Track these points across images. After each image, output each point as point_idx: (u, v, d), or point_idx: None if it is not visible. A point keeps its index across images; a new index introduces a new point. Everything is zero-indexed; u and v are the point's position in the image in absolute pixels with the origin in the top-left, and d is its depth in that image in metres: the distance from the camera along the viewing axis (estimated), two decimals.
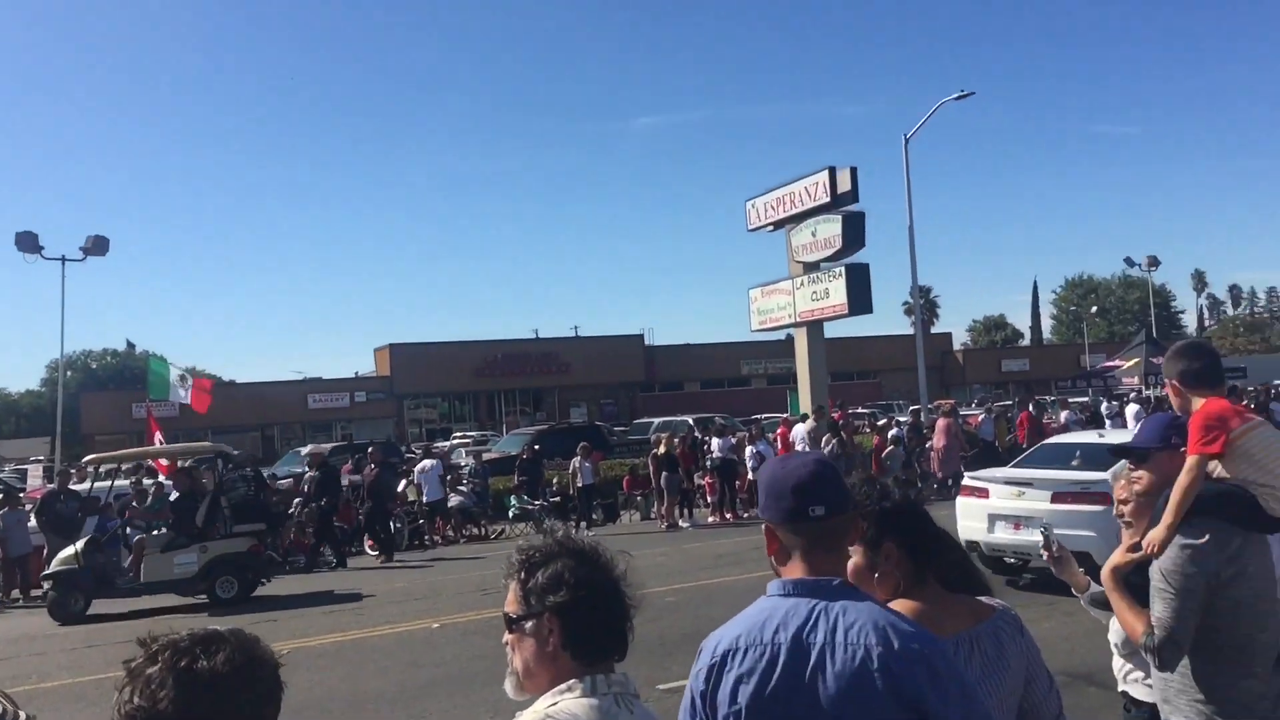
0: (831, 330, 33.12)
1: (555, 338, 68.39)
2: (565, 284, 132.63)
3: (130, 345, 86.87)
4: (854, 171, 28.95)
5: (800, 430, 23.75)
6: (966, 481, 12.95)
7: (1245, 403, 21.97)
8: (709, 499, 22.97)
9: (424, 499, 21.96)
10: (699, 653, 2.35)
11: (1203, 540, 3.27)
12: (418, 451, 27.92)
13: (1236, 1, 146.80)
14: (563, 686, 2.16)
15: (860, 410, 40.19)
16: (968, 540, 11.55)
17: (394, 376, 62.21)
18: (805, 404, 29.33)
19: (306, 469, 23.31)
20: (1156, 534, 3.35)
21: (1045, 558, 3.92)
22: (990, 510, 11.98)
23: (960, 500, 12.66)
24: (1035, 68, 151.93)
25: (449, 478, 22.79)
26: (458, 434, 50.42)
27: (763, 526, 2.42)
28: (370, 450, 22.22)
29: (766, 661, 2.23)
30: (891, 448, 23.51)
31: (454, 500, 22.15)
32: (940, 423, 23.56)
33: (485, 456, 26.56)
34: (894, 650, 2.18)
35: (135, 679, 1.76)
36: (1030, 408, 26.64)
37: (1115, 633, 3.97)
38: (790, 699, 2.21)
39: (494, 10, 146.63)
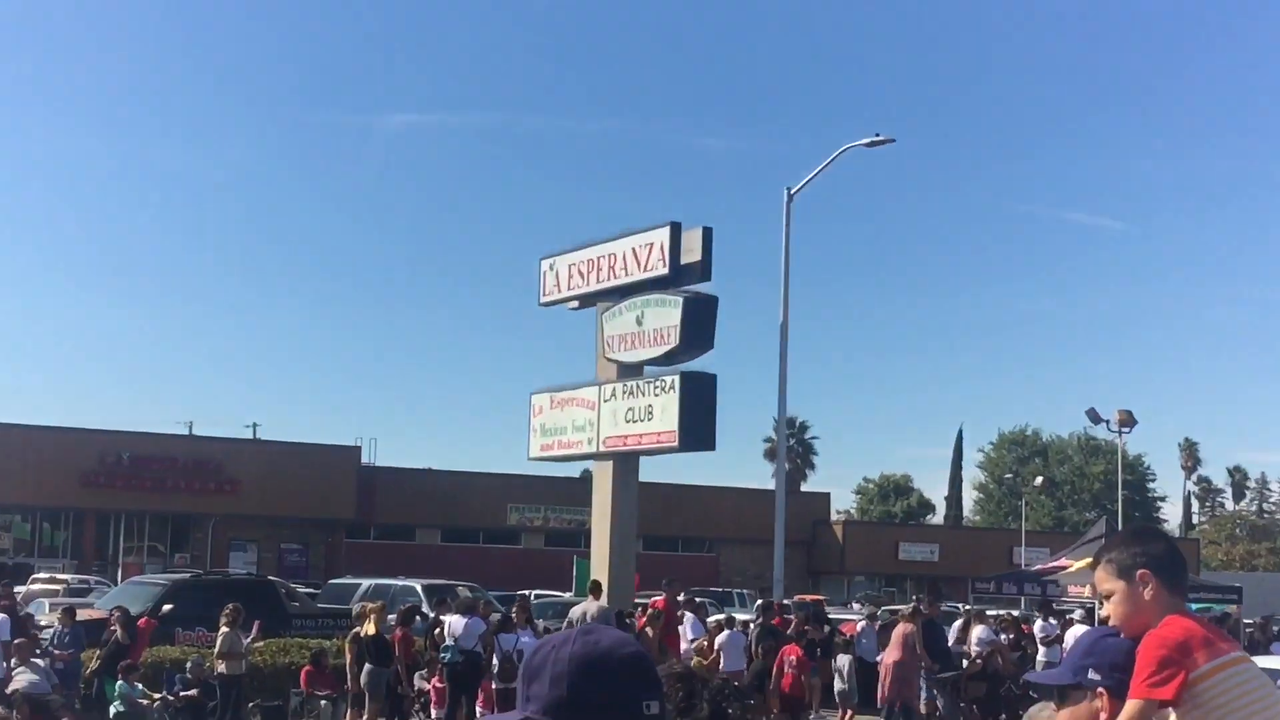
0: (653, 470, 33.59)
1: (220, 438, 67.19)
2: (243, 360, 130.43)
3: None
4: (707, 234, 29.64)
5: (582, 611, 23.96)
6: None
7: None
8: (433, 713, 22.69)
9: None
10: None
11: None
12: None
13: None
14: None
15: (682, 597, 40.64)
16: None
17: None
18: (600, 574, 29.41)
19: None
20: None
21: None
22: None
23: None
24: (977, 125, 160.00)
25: (17, 643, 21.90)
26: (42, 574, 48.36)
27: None
28: None
29: None
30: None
31: (21, 680, 21.26)
32: (898, 630, 24.31)
33: (82, 615, 25.65)
34: None
35: None
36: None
37: None
38: None
39: None
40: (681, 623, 26.34)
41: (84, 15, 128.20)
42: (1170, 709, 3.50)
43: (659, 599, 26.11)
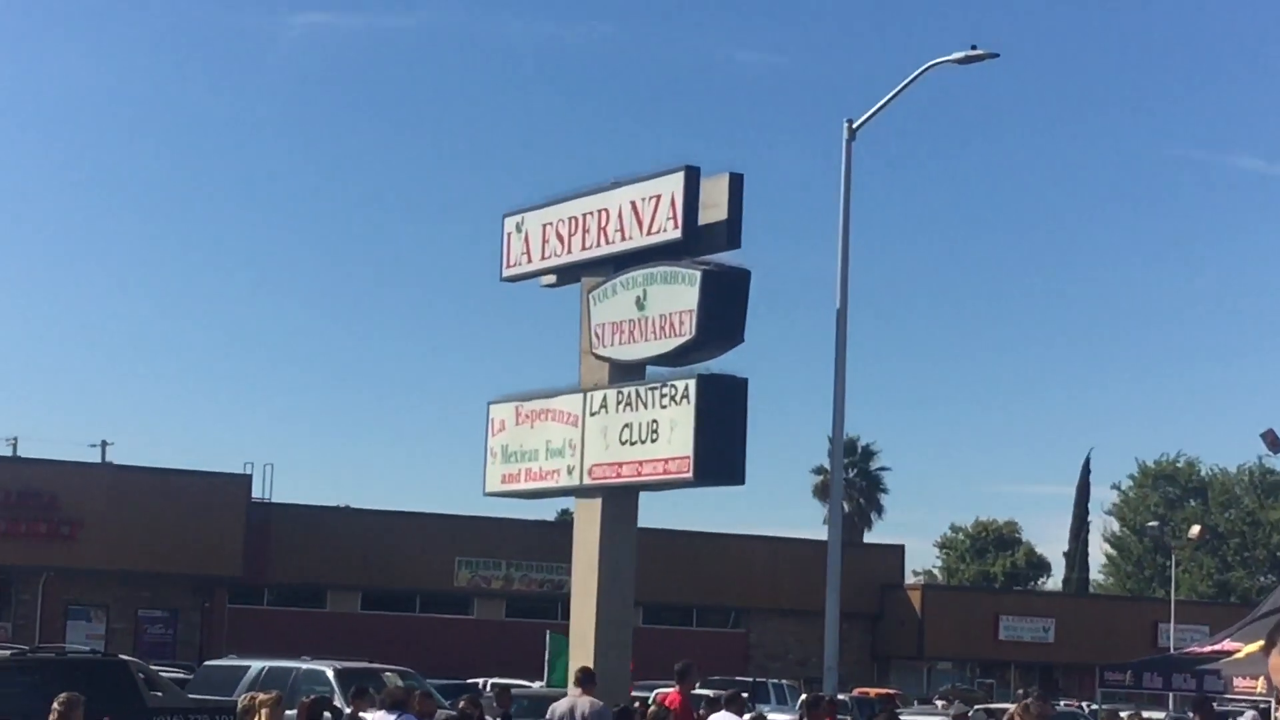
0: (656, 510, 33.58)
1: (60, 461, 67.18)
2: (86, 354, 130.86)
3: None
4: (736, 183, 29.60)
5: (569, 707, 24.00)
6: None
7: None
8: None
9: None
10: None
11: None
12: None
13: None
14: None
15: (700, 690, 40.66)
16: None
17: None
18: (583, 656, 29.43)
19: None
20: None
21: None
22: None
23: None
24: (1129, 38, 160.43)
25: None
26: None
27: None
28: None
29: None
30: None
31: None
32: None
33: None
34: None
35: None
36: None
37: None
38: None
39: None
40: None
41: None
42: None
43: (671, 693, 25.84)
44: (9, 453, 67.38)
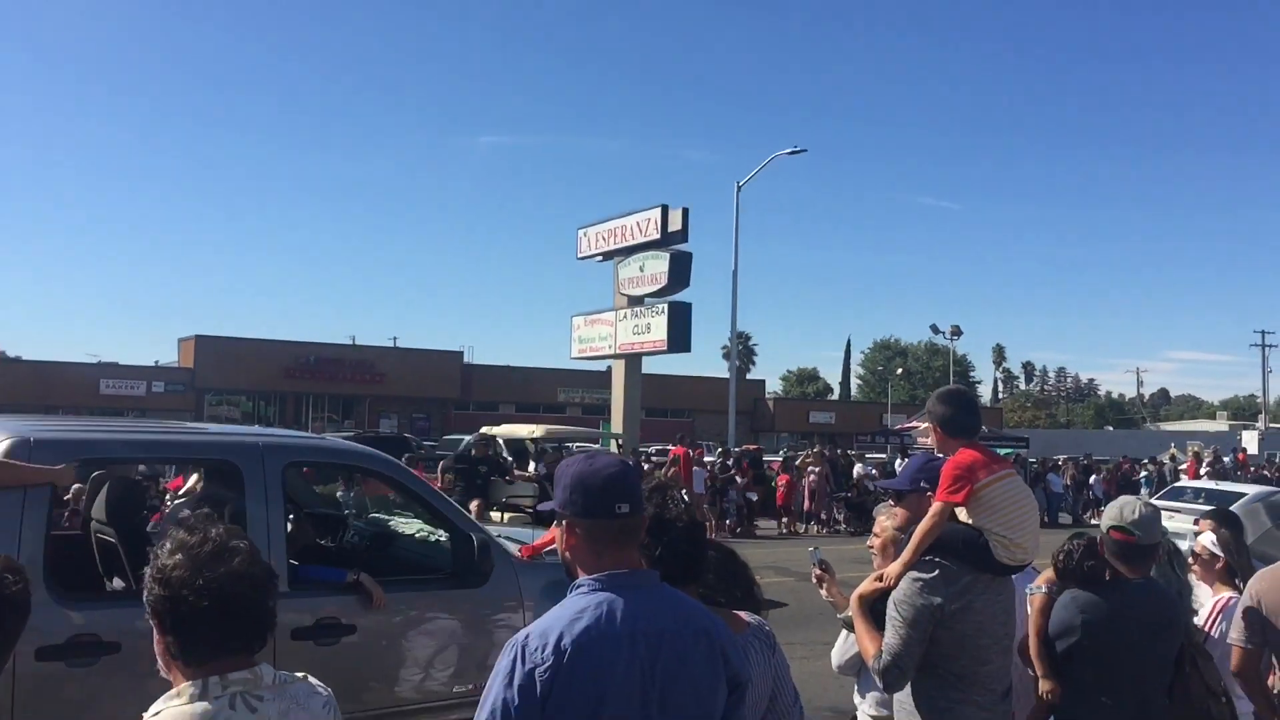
0: (649, 365, 33.60)
1: (372, 346, 66.90)
2: (388, 294, 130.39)
3: None
4: (685, 212, 29.57)
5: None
6: None
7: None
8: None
9: None
10: (516, 656, 2.29)
11: (932, 575, 3.51)
12: None
13: (1057, 105, 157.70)
14: (172, 692, 2.12)
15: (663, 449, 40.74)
16: None
17: (197, 369, 59.53)
18: (617, 431, 29.57)
19: None
20: (894, 567, 3.61)
21: (814, 578, 4.16)
22: None
23: None
24: (870, 135, 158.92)
25: None
26: None
27: (562, 522, 2.49)
28: None
29: (627, 651, 2.29)
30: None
31: None
32: (815, 468, 24.85)
33: None
34: (721, 631, 2.46)
35: None
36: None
37: (836, 654, 4.25)
38: (664, 680, 2.31)
39: (348, 8, 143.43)
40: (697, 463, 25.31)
41: None
42: (963, 509, 3.56)
43: (678, 448, 25.26)
44: (351, 342, 66.71)
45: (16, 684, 4.01)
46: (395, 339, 70.66)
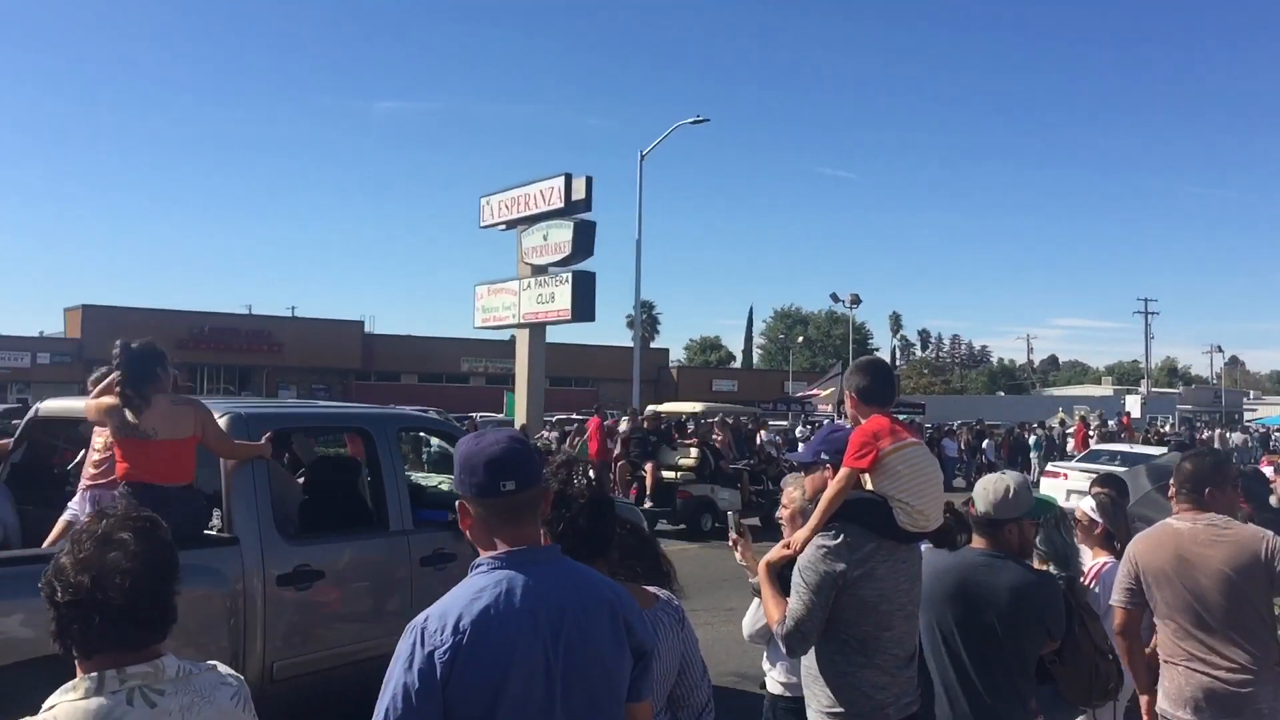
0: (554, 335, 33.42)
1: (269, 315, 65.60)
2: (285, 262, 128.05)
3: None
4: (589, 181, 29.34)
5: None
6: None
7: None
8: None
9: None
10: (415, 639, 2.28)
11: (836, 542, 3.58)
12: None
13: (947, 72, 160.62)
14: (67, 686, 2.07)
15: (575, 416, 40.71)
16: None
17: (84, 340, 57.56)
18: (520, 405, 29.44)
19: None
20: (801, 533, 3.69)
21: (730, 542, 4.21)
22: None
23: None
24: (769, 106, 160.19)
25: None
26: None
27: (457, 502, 2.48)
28: None
29: (529, 627, 2.28)
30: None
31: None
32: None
33: None
34: (624, 601, 2.47)
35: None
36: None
37: (747, 623, 4.33)
38: (567, 655, 2.30)
39: None
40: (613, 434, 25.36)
41: None
42: (868, 476, 3.63)
43: (594, 418, 25.52)
44: (247, 311, 65.25)
45: (266, 603, 5.55)
46: (293, 308, 69.57)
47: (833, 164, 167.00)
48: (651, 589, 2.98)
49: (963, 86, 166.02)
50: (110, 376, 5.70)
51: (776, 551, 3.80)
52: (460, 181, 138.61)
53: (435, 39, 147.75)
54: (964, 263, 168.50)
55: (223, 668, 2.27)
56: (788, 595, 3.66)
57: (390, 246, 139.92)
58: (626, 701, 2.44)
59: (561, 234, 29.32)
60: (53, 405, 7.18)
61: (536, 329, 30.64)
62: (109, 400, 5.51)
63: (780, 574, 3.76)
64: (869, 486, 3.65)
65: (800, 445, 28.56)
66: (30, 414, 7.19)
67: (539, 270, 30.40)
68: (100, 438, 5.91)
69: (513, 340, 34.46)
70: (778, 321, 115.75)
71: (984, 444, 33.03)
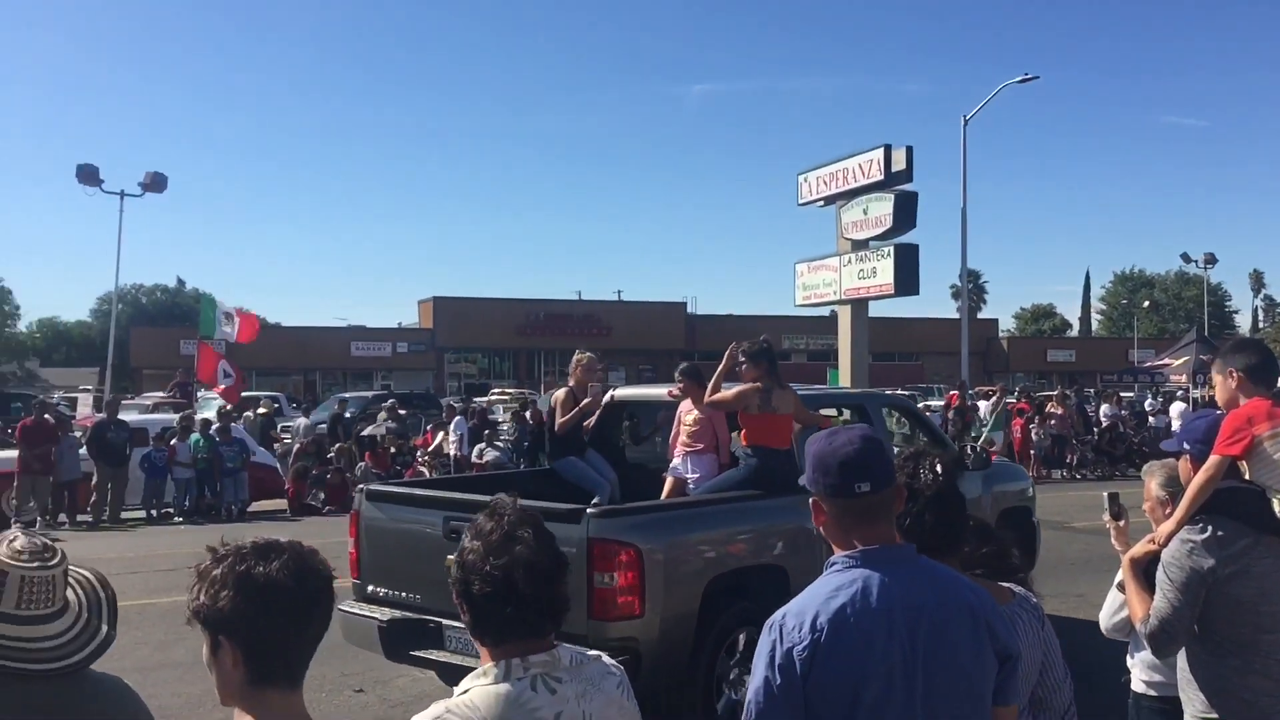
0: (876, 310, 32.86)
1: (598, 300, 68.43)
2: (611, 247, 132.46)
3: (180, 282, 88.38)
4: (909, 151, 28.59)
5: None
6: None
7: None
8: None
9: (459, 452, 22.22)
10: (775, 636, 2.32)
11: (1203, 537, 3.35)
12: (456, 405, 28.07)
13: None
14: (478, 672, 2.22)
15: (900, 391, 39.92)
16: None
17: (436, 329, 62.61)
18: (844, 381, 29.26)
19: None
20: (1166, 527, 3.47)
21: (1107, 523, 4.07)
22: None
23: None
24: (1102, 55, 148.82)
25: (487, 432, 22.95)
26: (495, 390, 50.60)
27: (810, 500, 2.49)
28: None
29: (885, 627, 2.28)
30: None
31: (489, 455, 22.30)
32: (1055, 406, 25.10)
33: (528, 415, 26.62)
34: (985, 603, 2.42)
35: (202, 580, 1.96)
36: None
37: (1105, 615, 4.12)
38: (926, 657, 2.29)
39: None
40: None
41: None
42: (1243, 462, 3.39)
43: (953, 394, 25.26)
44: (577, 297, 68.30)
45: None
46: (620, 292, 72.08)
47: (1180, 112, 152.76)
48: (1008, 585, 2.93)
49: None
50: (742, 365, 7.79)
51: (1141, 546, 3.61)
52: (777, 159, 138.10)
53: (746, 19, 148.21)
54: None
55: (606, 658, 2.40)
56: (1150, 591, 3.49)
57: (710, 228, 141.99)
58: (994, 705, 2.40)
59: (882, 207, 28.79)
60: (624, 392, 10.09)
61: (858, 304, 30.25)
62: (749, 386, 7.54)
63: (1145, 570, 3.58)
64: (1246, 476, 3.40)
65: (1150, 419, 26.76)
66: (606, 397, 9.49)
67: (859, 245, 29.94)
68: (690, 414, 8.05)
69: (834, 316, 34.24)
70: (1119, 285, 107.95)
71: None
